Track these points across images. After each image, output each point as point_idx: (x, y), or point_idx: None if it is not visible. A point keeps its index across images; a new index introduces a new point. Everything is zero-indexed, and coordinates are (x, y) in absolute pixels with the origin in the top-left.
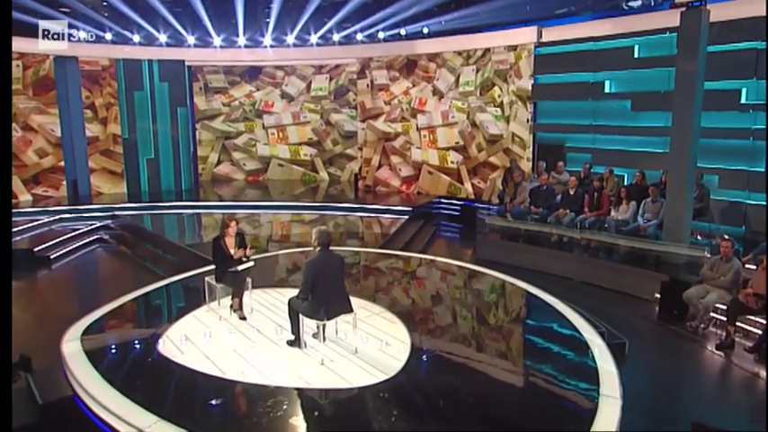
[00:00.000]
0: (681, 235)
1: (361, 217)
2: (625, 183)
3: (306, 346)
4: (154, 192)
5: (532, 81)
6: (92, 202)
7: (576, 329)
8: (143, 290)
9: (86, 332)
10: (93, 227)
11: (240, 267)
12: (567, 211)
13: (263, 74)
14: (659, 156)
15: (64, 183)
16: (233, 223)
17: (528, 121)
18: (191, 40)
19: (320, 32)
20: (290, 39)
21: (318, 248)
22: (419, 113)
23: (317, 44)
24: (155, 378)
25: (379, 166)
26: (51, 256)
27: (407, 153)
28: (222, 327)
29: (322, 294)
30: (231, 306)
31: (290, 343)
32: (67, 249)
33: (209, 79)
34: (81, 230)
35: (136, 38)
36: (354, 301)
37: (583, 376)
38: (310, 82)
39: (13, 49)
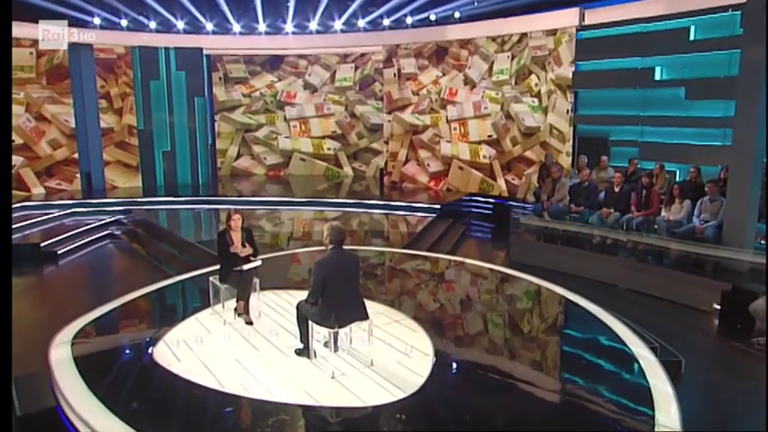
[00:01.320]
0: (743, 238)
1: (387, 215)
2: (677, 179)
3: (315, 357)
4: (170, 186)
5: (573, 68)
6: (105, 196)
7: (623, 343)
8: (145, 290)
9: (78, 335)
10: (104, 222)
11: (246, 266)
12: (612, 210)
13: (284, 63)
14: (717, 149)
15: (78, 175)
16: (237, 216)
17: (568, 112)
18: (209, 26)
19: (344, 18)
20: (313, 25)
21: (330, 247)
22: (449, 104)
23: (342, 31)
24: (144, 389)
25: (406, 161)
26: (59, 252)
27: (436, 147)
28: (225, 332)
29: (333, 298)
30: (235, 309)
31: (299, 352)
32: (76, 245)
33: (228, 69)
34: (91, 225)
35: (152, 24)
36: (372, 306)
37: (634, 397)
38: (334, 71)
39: (27, 36)
